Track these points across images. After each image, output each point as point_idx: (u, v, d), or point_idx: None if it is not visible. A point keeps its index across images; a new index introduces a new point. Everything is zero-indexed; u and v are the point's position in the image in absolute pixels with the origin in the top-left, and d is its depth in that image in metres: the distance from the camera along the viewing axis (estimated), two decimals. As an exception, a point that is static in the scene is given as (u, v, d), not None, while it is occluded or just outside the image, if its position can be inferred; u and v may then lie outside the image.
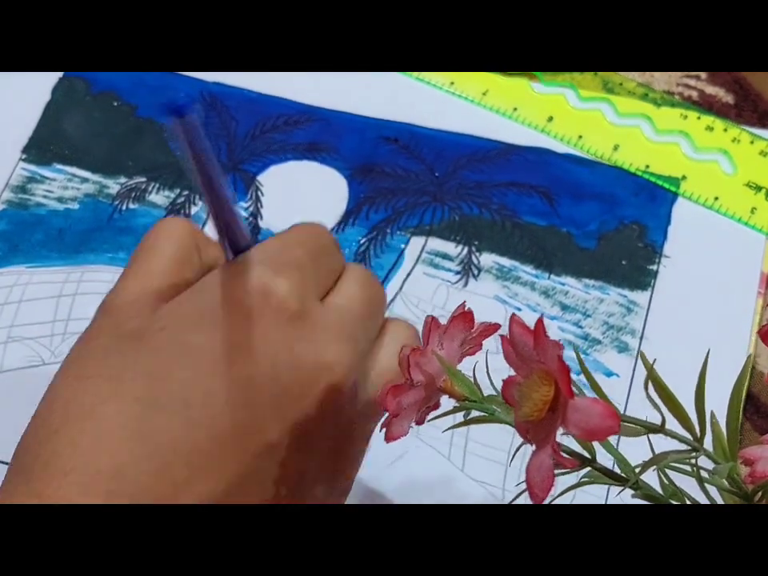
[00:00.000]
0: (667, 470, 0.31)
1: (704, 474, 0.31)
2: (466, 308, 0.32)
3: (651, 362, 0.30)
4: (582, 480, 0.31)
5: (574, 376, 0.27)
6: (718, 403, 0.31)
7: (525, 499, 0.28)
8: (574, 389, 0.27)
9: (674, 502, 0.32)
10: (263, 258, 0.33)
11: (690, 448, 0.30)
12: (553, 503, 0.29)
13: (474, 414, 0.32)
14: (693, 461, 0.30)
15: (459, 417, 0.32)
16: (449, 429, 0.33)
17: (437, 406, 0.32)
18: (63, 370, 0.34)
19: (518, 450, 0.30)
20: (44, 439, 0.32)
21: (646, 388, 0.29)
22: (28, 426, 0.33)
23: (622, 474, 0.31)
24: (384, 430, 0.32)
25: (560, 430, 0.27)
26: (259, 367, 0.32)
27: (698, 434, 0.30)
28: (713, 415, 0.31)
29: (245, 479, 0.31)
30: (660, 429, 0.29)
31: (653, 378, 0.29)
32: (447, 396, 0.32)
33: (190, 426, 0.31)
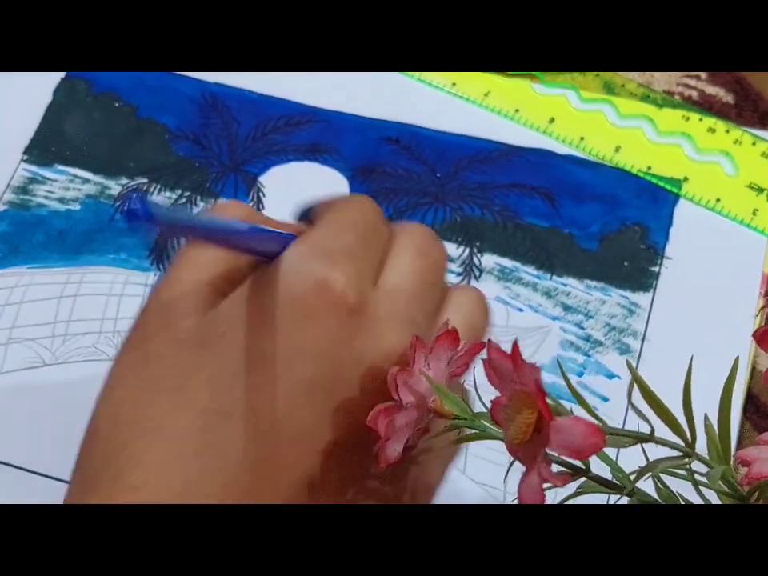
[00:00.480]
0: (663, 475, 0.31)
1: (700, 477, 0.31)
2: (449, 326, 0.32)
3: (636, 369, 0.30)
4: (578, 491, 0.31)
5: (575, 379, 0.27)
6: (715, 406, 0.31)
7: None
8: (559, 407, 0.27)
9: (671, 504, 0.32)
10: (315, 249, 0.32)
11: (682, 454, 0.30)
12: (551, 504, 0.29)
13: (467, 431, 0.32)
14: (687, 466, 0.30)
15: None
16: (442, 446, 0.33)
17: (426, 430, 0.32)
18: (120, 372, 0.33)
19: (512, 464, 0.30)
20: (111, 454, 0.31)
21: (630, 397, 0.29)
22: (88, 437, 0.33)
23: (618, 483, 0.31)
24: (376, 455, 0.32)
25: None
26: (320, 368, 0.31)
27: (689, 440, 0.30)
28: (706, 418, 0.31)
29: (311, 482, 0.31)
30: (650, 437, 0.29)
31: (640, 385, 0.29)
32: (438, 416, 0.32)
33: (256, 434, 0.30)
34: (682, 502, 0.31)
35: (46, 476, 0.47)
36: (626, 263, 0.51)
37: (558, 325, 0.49)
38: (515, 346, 0.27)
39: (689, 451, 0.29)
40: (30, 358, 0.49)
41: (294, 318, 0.31)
